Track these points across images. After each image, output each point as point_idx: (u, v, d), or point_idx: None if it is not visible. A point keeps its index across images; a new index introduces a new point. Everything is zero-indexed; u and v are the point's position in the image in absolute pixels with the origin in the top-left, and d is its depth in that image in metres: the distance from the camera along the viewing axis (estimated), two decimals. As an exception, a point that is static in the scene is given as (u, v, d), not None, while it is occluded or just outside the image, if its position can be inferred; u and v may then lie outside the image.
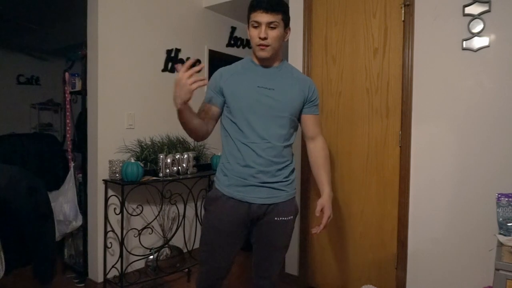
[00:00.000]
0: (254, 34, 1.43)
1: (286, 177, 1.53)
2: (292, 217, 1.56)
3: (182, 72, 1.28)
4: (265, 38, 1.40)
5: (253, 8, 1.41)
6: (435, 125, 2.03)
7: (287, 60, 2.56)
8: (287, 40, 2.57)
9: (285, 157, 1.52)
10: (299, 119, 1.60)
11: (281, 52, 1.53)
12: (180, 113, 1.35)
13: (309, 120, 1.60)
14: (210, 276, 1.56)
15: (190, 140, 2.91)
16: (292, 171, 1.57)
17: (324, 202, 1.53)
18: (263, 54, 1.44)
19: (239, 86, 1.47)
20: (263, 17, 1.39)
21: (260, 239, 1.55)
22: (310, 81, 1.62)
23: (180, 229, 2.80)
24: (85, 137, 2.57)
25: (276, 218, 1.50)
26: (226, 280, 1.62)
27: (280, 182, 1.50)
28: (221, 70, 1.55)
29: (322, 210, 1.52)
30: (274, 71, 1.52)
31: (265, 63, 1.50)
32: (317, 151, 1.62)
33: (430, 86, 2.03)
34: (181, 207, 2.79)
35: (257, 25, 1.41)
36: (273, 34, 1.41)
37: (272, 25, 1.40)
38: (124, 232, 2.40)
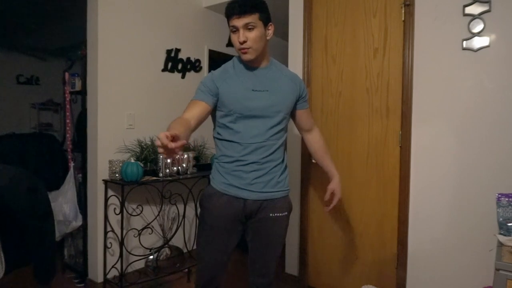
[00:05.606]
0: (234, 39, 1.44)
1: (280, 174, 1.55)
2: (286, 213, 1.58)
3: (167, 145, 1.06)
4: (244, 42, 1.40)
5: (227, 15, 1.42)
6: (435, 125, 2.03)
7: (288, 60, 2.58)
8: (288, 40, 2.59)
9: (279, 155, 1.55)
10: (291, 115, 1.65)
11: (267, 51, 1.52)
12: None
13: (303, 114, 1.67)
14: (207, 272, 1.57)
15: (190, 140, 2.91)
16: (285, 168, 1.60)
17: (335, 186, 1.70)
18: (246, 57, 1.44)
19: (235, 90, 1.47)
20: (238, 21, 1.39)
21: (256, 236, 1.56)
22: (299, 77, 1.66)
23: (180, 229, 2.80)
24: (85, 137, 2.57)
25: (271, 215, 1.53)
26: (222, 279, 1.62)
27: (274, 179, 1.52)
28: (214, 73, 1.53)
29: (332, 193, 1.70)
30: (265, 72, 1.52)
31: (253, 64, 1.50)
32: (317, 140, 1.74)
33: (430, 86, 2.03)
34: (181, 207, 2.79)
35: (235, 29, 1.42)
36: (251, 35, 1.41)
37: (249, 27, 1.40)
38: (124, 232, 2.40)
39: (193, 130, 1.43)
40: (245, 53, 1.43)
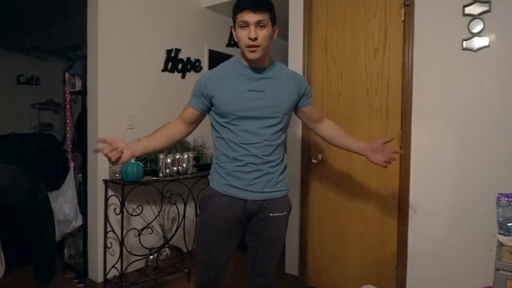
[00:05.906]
0: (243, 35, 1.39)
1: (280, 174, 1.55)
2: (286, 212, 1.58)
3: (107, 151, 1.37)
4: (255, 39, 1.37)
5: (239, 9, 1.38)
6: (435, 125, 2.03)
7: (288, 60, 2.58)
8: (288, 40, 2.59)
9: (278, 155, 1.54)
10: (297, 113, 1.66)
11: (269, 52, 1.51)
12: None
13: (310, 110, 1.67)
14: (208, 274, 1.57)
15: (190, 140, 2.91)
16: (285, 168, 1.59)
17: (367, 144, 1.67)
18: (254, 55, 1.41)
19: (229, 91, 1.46)
20: (251, 17, 1.36)
21: (256, 236, 1.56)
22: (301, 76, 1.66)
23: (180, 229, 2.80)
24: (85, 137, 2.57)
25: (271, 214, 1.53)
26: (223, 281, 1.62)
27: (273, 179, 1.52)
28: (209, 74, 1.53)
29: (374, 151, 1.64)
30: (264, 73, 1.50)
31: (255, 64, 1.47)
32: (331, 125, 1.73)
33: (430, 86, 2.03)
34: (181, 207, 2.79)
35: (245, 25, 1.37)
36: (262, 33, 1.38)
37: (261, 24, 1.37)
38: (124, 232, 2.40)
39: (187, 134, 1.61)
40: (253, 51, 1.40)
